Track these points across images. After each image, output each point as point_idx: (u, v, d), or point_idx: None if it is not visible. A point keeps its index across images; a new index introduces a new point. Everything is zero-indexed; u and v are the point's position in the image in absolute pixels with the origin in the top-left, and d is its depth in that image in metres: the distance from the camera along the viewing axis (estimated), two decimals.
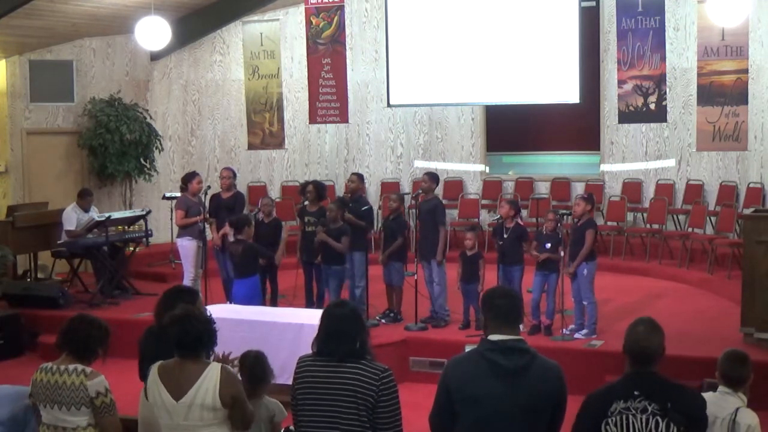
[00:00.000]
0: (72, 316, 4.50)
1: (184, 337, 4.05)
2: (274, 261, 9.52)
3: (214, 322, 4.19)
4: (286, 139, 14.34)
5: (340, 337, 3.81)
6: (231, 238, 9.40)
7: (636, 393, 3.59)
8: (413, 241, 9.81)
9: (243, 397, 4.15)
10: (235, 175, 10.54)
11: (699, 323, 9.16)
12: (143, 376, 4.75)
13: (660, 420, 3.54)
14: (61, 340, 4.39)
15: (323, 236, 9.15)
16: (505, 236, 8.96)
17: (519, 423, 3.58)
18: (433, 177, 9.59)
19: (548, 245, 8.75)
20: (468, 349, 4.00)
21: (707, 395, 4.27)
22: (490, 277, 8.89)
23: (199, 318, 4.15)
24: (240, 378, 4.40)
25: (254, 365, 5.02)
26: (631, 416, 3.58)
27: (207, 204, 10.28)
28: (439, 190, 10.41)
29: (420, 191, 9.46)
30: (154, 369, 4.14)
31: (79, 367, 4.30)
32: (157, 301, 5.01)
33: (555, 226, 8.89)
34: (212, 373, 4.04)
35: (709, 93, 12.27)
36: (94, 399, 4.24)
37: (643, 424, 3.55)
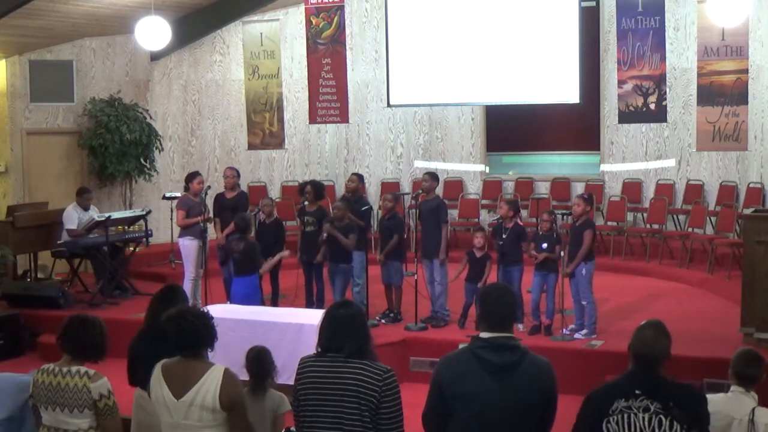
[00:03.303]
0: (69, 316, 4.46)
1: (181, 336, 4.04)
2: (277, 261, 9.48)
3: (212, 318, 4.19)
4: (286, 139, 14.34)
5: (347, 335, 3.82)
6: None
7: (638, 392, 3.59)
8: (412, 241, 9.80)
9: (244, 404, 4.11)
10: (239, 174, 10.54)
11: (699, 323, 9.15)
12: (136, 380, 4.70)
13: (663, 418, 3.54)
14: (61, 341, 4.35)
15: (332, 230, 9.06)
16: (504, 236, 8.97)
17: (510, 419, 3.58)
18: (434, 176, 9.60)
19: (545, 245, 8.75)
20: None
21: (720, 396, 4.28)
22: (490, 278, 8.89)
23: (195, 315, 4.13)
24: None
25: (257, 360, 5.03)
26: (632, 415, 3.57)
27: (211, 204, 10.28)
28: (439, 190, 10.40)
29: (420, 191, 9.46)
30: (158, 367, 4.11)
31: (82, 369, 4.26)
32: (149, 303, 5.03)
33: (550, 226, 8.89)
34: (215, 374, 4.01)
35: (709, 93, 12.27)
36: (97, 401, 4.20)
37: (646, 423, 3.55)
